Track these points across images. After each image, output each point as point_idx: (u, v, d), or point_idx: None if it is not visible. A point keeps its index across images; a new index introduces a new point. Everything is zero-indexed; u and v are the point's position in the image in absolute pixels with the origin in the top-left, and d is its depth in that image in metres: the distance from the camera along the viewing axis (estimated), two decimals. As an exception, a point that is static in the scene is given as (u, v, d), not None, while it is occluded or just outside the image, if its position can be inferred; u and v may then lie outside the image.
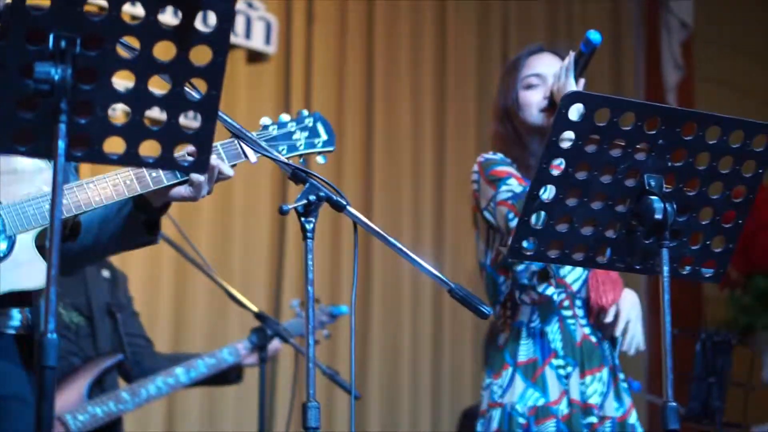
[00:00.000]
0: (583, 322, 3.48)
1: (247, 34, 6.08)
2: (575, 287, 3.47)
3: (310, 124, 3.16)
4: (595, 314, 3.50)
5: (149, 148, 2.30)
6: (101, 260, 3.00)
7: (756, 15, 8.51)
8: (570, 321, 3.46)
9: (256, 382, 5.59)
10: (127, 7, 2.21)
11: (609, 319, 3.50)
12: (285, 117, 3.13)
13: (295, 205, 2.79)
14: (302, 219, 2.80)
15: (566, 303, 3.47)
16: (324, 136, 3.14)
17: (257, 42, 6.12)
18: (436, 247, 6.71)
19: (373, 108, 6.62)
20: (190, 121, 2.37)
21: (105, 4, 2.19)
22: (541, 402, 3.39)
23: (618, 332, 3.49)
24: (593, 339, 3.48)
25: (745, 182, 2.88)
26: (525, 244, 2.80)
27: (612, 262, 2.88)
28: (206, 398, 5.75)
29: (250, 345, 4.26)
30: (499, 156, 3.54)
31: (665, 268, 2.77)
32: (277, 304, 6.09)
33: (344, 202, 2.83)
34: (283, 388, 5.79)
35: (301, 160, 3.15)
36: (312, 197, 2.80)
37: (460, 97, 6.94)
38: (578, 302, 3.49)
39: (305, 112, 3.19)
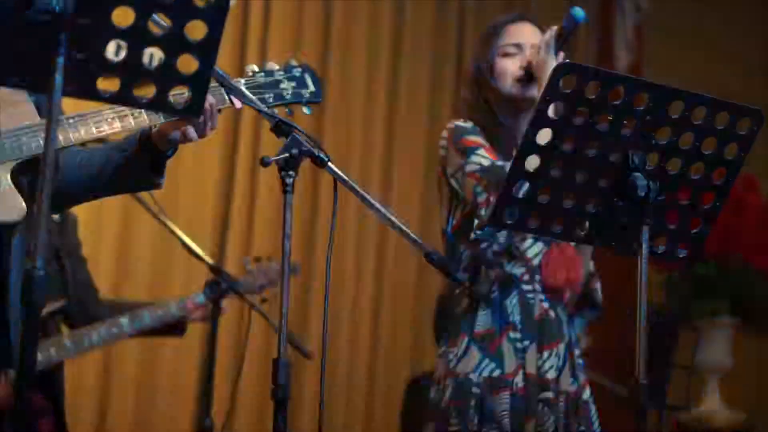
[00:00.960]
0: (543, 296, 3.46)
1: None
2: (536, 261, 3.45)
3: (298, 75, 3.12)
4: (548, 290, 3.49)
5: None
6: (92, 200, 2.93)
7: (708, 4, 8.56)
8: (529, 295, 3.44)
9: (196, 334, 5.58)
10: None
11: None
12: (273, 65, 3.09)
13: (277, 157, 2.75)
14: (282, 173, 2.76)
15: (526, 277, 3.44)
16: (311, 88, 3.10)
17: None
18: (385, 188, 6.67)
19: (329, 60, 6.56)
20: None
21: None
22: (496, 373, 3.37)
23: None
24: (552, 313, 3.47)
25: (727, 165, 2.88)
26: (506, 212, 2.78)
27: (589, 237, 2.87)
28: (145, 348, 5.67)
29: (203, 298, 4.22)
30: (470, 124, 3.50)
31: (644, 246, 2.76)
32: (221, 255, 6.01)
33: (326, 158, 2.80)
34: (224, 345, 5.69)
35: (288, 110, 3.10)
36: (294, 151, 2.76)
37: (415, 53, 6.89)
38: (538, 276, 3.47)
39: (294, 62, 3.15)
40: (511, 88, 3.52)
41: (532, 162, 2.74)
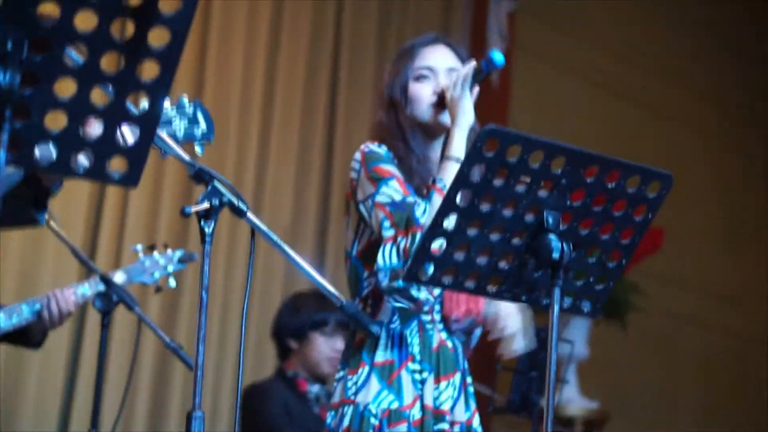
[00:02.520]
0: (440, 326, 3.50)
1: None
2: (435, 292, 3.49)
3: (190, 113, 3.09)
4: (448, 322, 3.54)
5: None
6: None
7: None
8: (429, 326, 3.48)
9: (62, 349, 5.50)
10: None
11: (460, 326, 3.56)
12: (165, 103, 3.05)
13: (197, 208, 2.75)
14: (202, 222, 2.76)
15: (425, 308, 3.49)
16: (203, 126, 3.08)
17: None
18: (258, 188, 6.64)
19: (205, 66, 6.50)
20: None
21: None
22: (394, 405, 3.40)
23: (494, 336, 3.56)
24: (449, 344, 3.52)
25: (634, 226, 2.97)
26: (423, 269, 2.82)
27: (501, 292, 2.94)
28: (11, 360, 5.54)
29: (88, 290, 4.15)
30: (384, 150, 3.48)
31: (556, 307, 2.84)
32: (93, 243, 5.92)
33: (245, 208, 2.81)
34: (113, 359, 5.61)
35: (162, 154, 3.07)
36: (215, 201, 2.76)
37: (291, 52, 6.86)
38: (437, 307, 3.51)
39: (185, 99, 3.12)
40: (425, 114, 3.52)
41: (450, 220, 2.78)
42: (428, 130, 3.53)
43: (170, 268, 4.45)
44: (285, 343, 5.41)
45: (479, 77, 3.44)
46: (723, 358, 9.53)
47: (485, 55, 3.42)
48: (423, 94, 3.52)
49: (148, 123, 2.25)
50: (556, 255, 2.82)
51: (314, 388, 5.32)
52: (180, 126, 3.04)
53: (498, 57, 3.38)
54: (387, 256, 3.31)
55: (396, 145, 3.51)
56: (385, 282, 3.35)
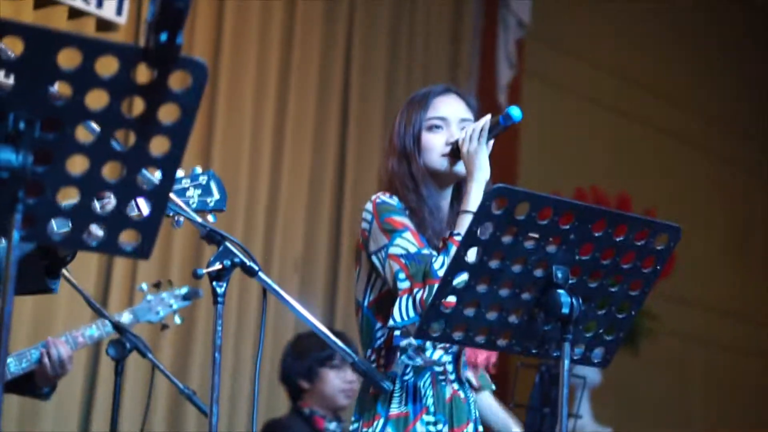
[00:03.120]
0: (452, 377, 3.52)
1: (99, 3, 5.92)
2: (446, 358, 3.52)
3: (204, 182, 3.14)
4: (475, 370, 3.57)
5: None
6: None
7: (589, 17, 8.74)
8: (441, 377, 3.49)
9: (75, 397, 5.52)
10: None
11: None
12: (179, 172, 3.09)
13: (209, 269, 2.78)
14: (214, 283, 2.79)
15: (439, 366, 3.51)
16: (216, 195, 3.13)
17: (109, 11, 5.96)
18: (269, 222, 6.66)
19: (217, 87, 6.52)
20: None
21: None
22: (411, 458, 3.43)
23: None
24: (461, 395, 3.53)
25: (643, 277, 2.99)
26: (434, 325, 2.85)
27: (510, 346, 2.96)
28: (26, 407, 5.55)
29: (95, 332, 4.18)
30: (396, 201, 3.49)
31: (566, 361, 2.86)
32: (107, 283, 5.95)
33: (256, 268, 2.83)
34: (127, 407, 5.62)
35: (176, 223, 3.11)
36: (226, 262, 2.79)
37: (301, 94, 6.88)
38: (449, 358, 3.53)
39: (198, 170, 3.16)
40: (436, 164, 3.53)
41: (461, 278, 2.81)
42: (440, 180, 3.55)
43: (175, 306, 4.46)
44: (296, 386, 5.44)
45: (495, 131, 3.45)
46: (731, 375, 9.54)
47: (503, 111, 3.44)
48: (436, 144, 3.54)
49: (160, 197, 2.27)
50: (565, 310, 2.85)
51: (331, 426, 5.36)
52: (194, 195, 3.08)
53: (515, 113, 3.39)
54: (404, 310, 3.32)
55: (408, 195, 3.51)
56: (403, 341, 3.38)
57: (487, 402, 3.99)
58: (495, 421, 3.88)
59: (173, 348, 6.00)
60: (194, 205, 3.07)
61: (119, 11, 6.01)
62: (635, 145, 8.98)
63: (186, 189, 3.07)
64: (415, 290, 3.32)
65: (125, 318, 4.36)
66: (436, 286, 3.26)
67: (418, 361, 3.41)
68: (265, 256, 6.51)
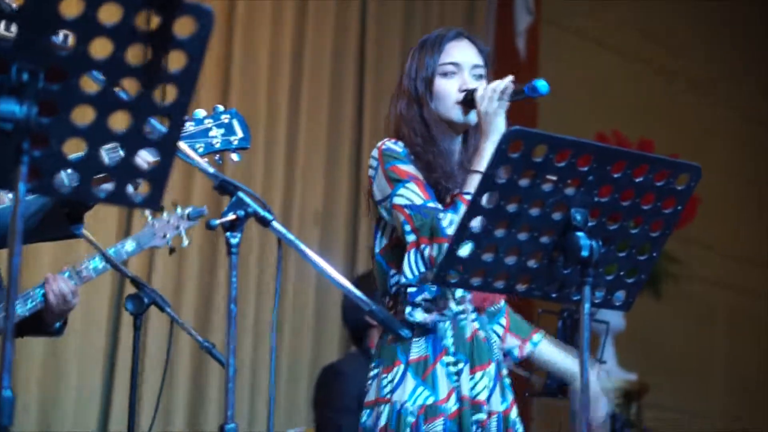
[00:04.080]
0: (473, 316, 3.49)
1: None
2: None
3: (227, 121, 3.10)
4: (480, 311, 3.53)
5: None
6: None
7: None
8: (461, 316, 3.46)
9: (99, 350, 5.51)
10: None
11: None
12: (201, 113, 3.05)
13: (223, 220, 2.73)
14: (228, 234, 2.75)
15: (458, 296, 3.47)
16: (240, 134, 3.08)
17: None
18: (288, 176, 6.61)
19: (232, 37, 6.47)
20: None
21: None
22: (430, 401, 3.39)
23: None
24: (482, 334, 3.50)
25: (664, 218, 2.94)
26: (451, 272, 2.81)
27: (530, 290, 2.91)
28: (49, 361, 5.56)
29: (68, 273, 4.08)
30: (402, 148, 3.45)
31: (587, 305, 2.82)
32: (129, 214, 5.86)
33: (270, 217, 2.79)
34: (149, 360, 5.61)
35: (218, 158, 3.07)
36: (240, 212, 2.74)
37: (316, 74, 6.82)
38: (468, 296, 3.49)
39: (221, 108, 3.11)
40: (450, 112, 3.49)
41: (477, 223, 2.76)
42: (452, 127, 3.51)
43: (182, 227, 4.29)
44: (363, 323, 5.28)
45: (517, 98, 3.42)
46: (755, 319, 9.50)
47: (530, 82, 3.39)
48: (450, 90, 3.49)
49: (168, 146, 2.24)
50: (585, 253, 2.80)
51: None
52: (217, 135, 3.04)
53: (543, 86, 3.36)
54: (413, 266, 3.30)
55: (415, 140, 3.47)
56: (417, 297, 3.35)
57: (544, 349, 3.90)
58: (557, 369, 3.83)
59: (195, 301, 5.97)
60: (218, 145, 3.03)
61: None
62: (656, 93, 8.89)
63: (209, 129, 3.02)
64: (422, 246, 3.30)
65: (129, 246, 4.17)
66: (444, 245, 3.24)
67: (428, 317, 3.38)
68: (285, 209, 6.47)
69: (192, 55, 2.16)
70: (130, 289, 4.20)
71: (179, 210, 4.31)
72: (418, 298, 3.36)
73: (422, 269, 3.27)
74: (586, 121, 8.06)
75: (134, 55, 2.14)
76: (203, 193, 5.95)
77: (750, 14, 9.70)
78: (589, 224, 2.84)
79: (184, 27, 2.15)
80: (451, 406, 3.40)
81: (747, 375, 9.31)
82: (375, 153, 3.46)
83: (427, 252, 3.26)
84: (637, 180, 2.85)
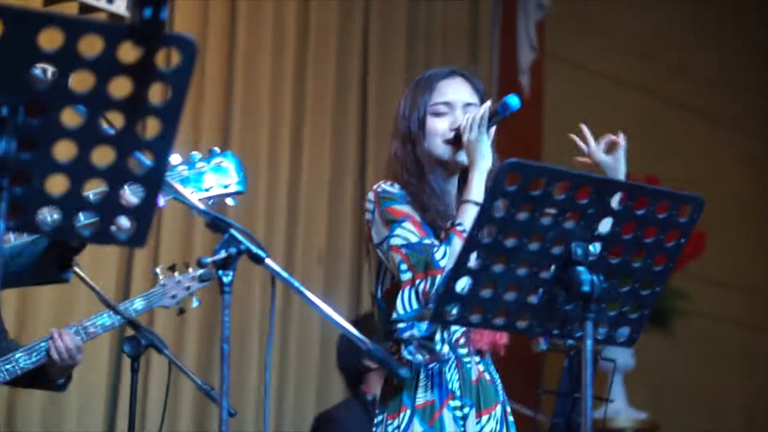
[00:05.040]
0: (477, 359, 3.43)
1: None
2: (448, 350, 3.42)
3: (222, 164, 3.03)
4: (482, 354, 3.46)
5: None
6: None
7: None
8: (466, 359, 3.40)
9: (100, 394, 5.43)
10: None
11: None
12: (196, 155, 2.99)
13: (215, 258, 2.66)
14: (220, 272, 2.68)
15: (462, 341, 3.41)
16: (235, 177, 3.03)
17: (119, 7, 5.88)
18: (291, 215, 6.55)
19: (233, 83, 6.43)
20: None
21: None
22: (438, 446, 3.33)
23: None
24: (487, 376, 3.44)
25: (666, 251, 2.87)
26: (449, 309, 2.74)
27: (531, 327, 2.85)
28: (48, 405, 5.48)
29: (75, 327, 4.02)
30: (397, 189, 3.40)
31: (589, 341, 2.75)
32: (128, 269, 5.85)
33: (264, 255, 2.73)
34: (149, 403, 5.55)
35: (212, 202, 3.02)
36: (232, 250, 2.68)
37: (319, 90, 6.79)
38: (467, 339, 3.43)
39: (217, 150, 3.05)
40: (441, 150, 3.46)
41: (475, 259, 2.70)
42: (445, 167, 3.47)
43: (192, 288, 4.25)
44: (361, 367, 5.18)
45: (495, 120, 3.40)
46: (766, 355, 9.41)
47: (500, 100, 3.38)
48: (440, 129, 3.47)
49: (153, 181, 2.18)
50: (586, 288, 2.73)
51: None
52: (212, 179, 2.98)
53: (513, 101, 3.34)
54: (407, 302, 3.24)
55: (409, 180, 3.43)
56: (405, 333, 3.28)
57: None
58: None
59: (197, 343, 5.90)
60: (212, 190, 2.96)
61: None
62: (660, 124, 8.84)
63: (203, 173, 2.97)
64: (417, 281, 3.24)
65: (138, 304, 4.14)
66: (438, 277, 3.19)
67: (418, 357, 3.31)
68: (288, 249, 6.42)
69: (176, 87, 2.11)
70: (128, 331, 4.13)
71: (191, 270, 4.26)
72: (406, 334, 3.30)
73: (415, 306, 3.21)
74: (593, 156, 7.99)
75: (117, 87, 2.08)
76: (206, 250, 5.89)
77: (753, 39, 9.67)
78: (590, 258, 2.77)
79: (166, 59, 2.10)
80: None
81: (763, 414, 9.20)
82: (371, 196, 3.42)
83: (421, 287, 3.21)
84: (638, 213, 2.79)
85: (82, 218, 2.20)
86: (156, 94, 2.11)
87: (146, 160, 2.17)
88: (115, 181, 2.15)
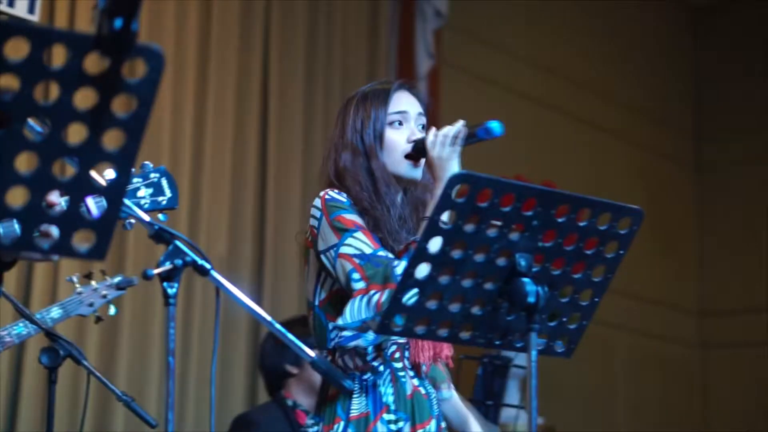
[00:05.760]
0: (412, 373, 3.42)
1: (10, 1, 5.71)
2: (404, 339, 3.40)
3: (155, 180, 2.99)
4: (418, 369, 3.46)
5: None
6: None
7: (505, 6, 8.71)
8: (401, 374, 3.39)
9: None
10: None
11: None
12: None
13: (160, 270, 2.64)
14: (165, 284, 2.65)
15: (397, 355, 3.40)
16: (168, 194, 2.99)
17: (20, 9, 5.76)
18: (192, 225, 6.48)
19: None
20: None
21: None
22: (372, 460, 3.32)
23: None
24: (422, 391, 3.43)
25: (606, 263, 2.91)
26: (396, 320, 2.74)
27: (474, 338, 2.86)
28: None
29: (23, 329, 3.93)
30: (345, 197, 3.36)
31: (533, 352, 2.77)
32: (28, 278, 5.72)
33: (209, 266, 2.70)
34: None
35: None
36: (178, 261, 2.65)
37: (220, 85, 6.73)
38: (407, 353, 3.43)
39: (150, 166, 3.01)
40: (398, 166, 3.45)
41: (422, 270, 2.70)
42: (398, 180, 3.45)
43: (109, 296, 4.18)
44: (282, 371, 5.10)
45: (470, 142, 3.37)
46: (654, 362, 9.58)
47: (482, 124, 3.35)
48: (398, 141, 3.44)
49: (115, 194, 2.14)
50: (531, 299, 2.75)
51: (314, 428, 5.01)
52: (146, 195, 2.94)
53: (496, 127, 3.31)
54: (356, 311, 3.20)
55: (360, 194, 3.39)
56: (351, 342, 3.27)
57: (451, 405, 3.84)
58: (452, 419, 3.77)
59: (98, 350, 5.79)
60: (146, 206, 2.92)
61: (31, 9, 5.81)
62: (555, 134, 8.95)
63: (137, 188, 2.92)
64: (371, 291, 3.20)
65: (54, 313, 4.07)
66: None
67: (350, 364, 3.31)
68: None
69: (142, 99, 2.07)
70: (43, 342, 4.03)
71: (107, 278, 4.19)
72: (352, 344, 3.29)
73: (364, 315, 3.18)
74: (489, 165, 8.04)
75: (81, 99, 2.04)
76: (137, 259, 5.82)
77: (646, 51, 9.85)
78: (534, 270, 2.80)
79: (132, 70, 2.06)
80: None
81: (651, 416, 9.38)
82: (318, 203, 3.36)
83: (376, 298, 3.17)
84: (580, 224, 2.82)
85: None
86: (119, 106, 2.07)
87: (108, 172, 2.13)
88: (76, 194, 2.10)
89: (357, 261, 3.24)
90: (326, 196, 3.36)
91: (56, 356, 3.88)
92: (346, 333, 3.27)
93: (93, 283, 4.16)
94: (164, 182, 2.93)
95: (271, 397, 5.18)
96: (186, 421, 6.04)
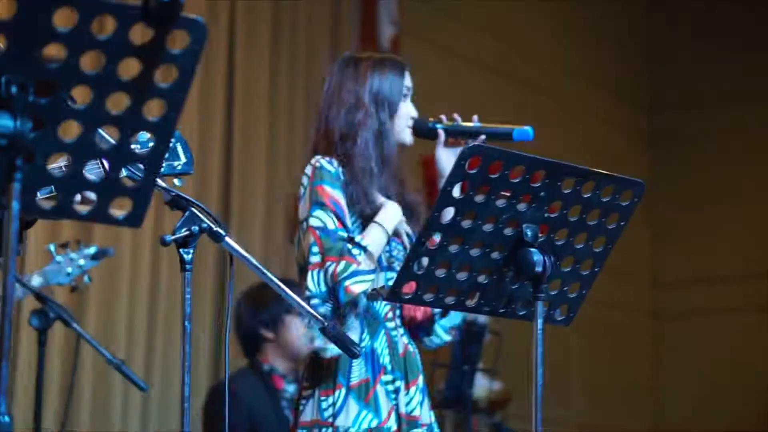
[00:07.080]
0: (402, 331, 3.51)
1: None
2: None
3: (171, 145, 3.01)
4: (408, 325, 3.54)
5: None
6: None
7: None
8: (393, 333, 3.48)
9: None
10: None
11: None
12: (145, 135, 2.96)
13: (176, 236, 2.68)
14: (181, 250, 2.69)
15: (390, 314, 3.48)
16: (183, 159, 3.00)
17: None
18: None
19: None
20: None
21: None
22: (374, 423, 3.38)
23: None
24: (411, 348, 3.52)
25: (607, 233, 2.98)
26: (405, 288, 2.80)
27: (479, 306, 2.93)
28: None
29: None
30: (334, 166, 3.44)
31: (540, 320, 2.84)
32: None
33: (223, 233, 2.74)
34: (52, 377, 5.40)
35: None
36: (194, 228, 2.69)
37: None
38: (398, 311, 3.52)
39: None
40: (402, 132, 3.60)
41: (433, 238, 2.76)
42: (394, 147, 3.58)
43: (85, 265, 4.23)
44: (257, 335, 5.07)
45: (497, 139, 3.58)
46: (610, 332, 9.70)
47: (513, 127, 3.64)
48: (410, 112, 3.63)
49: (153, 162, 2.18)
50: (538, 268, 2.82)
51: (290, 388, 5.00)
52: None
53: (530, 133, 3.64)
54: (316, 282, 3.31)
55: (365, 151, 3.50)
56: (320, 308, 3.33)
57: None
58: None
59: (95, 315, 5.76)
60: (162, 171, 2.94)
61: None
62: (515, 106, 9.00)
63: None
64: (327, 263, 3.32)
65: (35, 281, 4.12)
66: (353, 266, 3.30)
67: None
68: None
69: (183, 70, 2.11)
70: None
71: (82, 248, 4.24)
72: (321, 309, 3.34)
73: (323, 288, 3.27)
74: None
75: (125, 68, 2.07)
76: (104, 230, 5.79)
77: (604, 24, 9.92)
78: (539, 240, 2.86)
79: (176, 41, 2.09)
80: (392, 424, 3.41)
81: (600, 381, 9.51)
82: (308, 170, 3.45)
83: (331, 269, 3.30)
84: (584, 196, 2.89)
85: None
86: (161, 76, 2.11)
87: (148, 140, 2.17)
88: (116, 162, 2.14)
89: (318, 233, 3.36)
90: (317, 164, 3.45)
91: (46, 318, 3.92)
92: (313, 301, 3.33)
93: (69, 252, 4.20)
94: (179, 147, 2.95)
95: (248, 362, 5.19)
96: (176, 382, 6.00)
